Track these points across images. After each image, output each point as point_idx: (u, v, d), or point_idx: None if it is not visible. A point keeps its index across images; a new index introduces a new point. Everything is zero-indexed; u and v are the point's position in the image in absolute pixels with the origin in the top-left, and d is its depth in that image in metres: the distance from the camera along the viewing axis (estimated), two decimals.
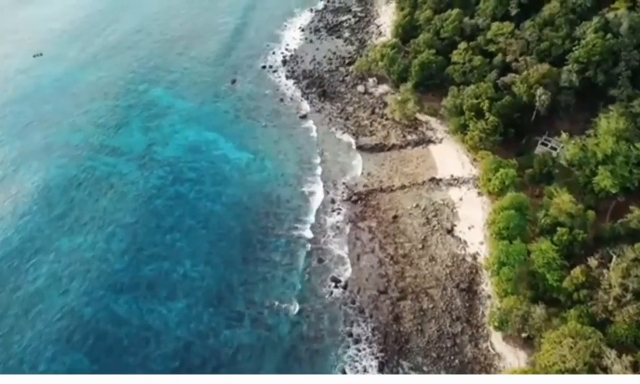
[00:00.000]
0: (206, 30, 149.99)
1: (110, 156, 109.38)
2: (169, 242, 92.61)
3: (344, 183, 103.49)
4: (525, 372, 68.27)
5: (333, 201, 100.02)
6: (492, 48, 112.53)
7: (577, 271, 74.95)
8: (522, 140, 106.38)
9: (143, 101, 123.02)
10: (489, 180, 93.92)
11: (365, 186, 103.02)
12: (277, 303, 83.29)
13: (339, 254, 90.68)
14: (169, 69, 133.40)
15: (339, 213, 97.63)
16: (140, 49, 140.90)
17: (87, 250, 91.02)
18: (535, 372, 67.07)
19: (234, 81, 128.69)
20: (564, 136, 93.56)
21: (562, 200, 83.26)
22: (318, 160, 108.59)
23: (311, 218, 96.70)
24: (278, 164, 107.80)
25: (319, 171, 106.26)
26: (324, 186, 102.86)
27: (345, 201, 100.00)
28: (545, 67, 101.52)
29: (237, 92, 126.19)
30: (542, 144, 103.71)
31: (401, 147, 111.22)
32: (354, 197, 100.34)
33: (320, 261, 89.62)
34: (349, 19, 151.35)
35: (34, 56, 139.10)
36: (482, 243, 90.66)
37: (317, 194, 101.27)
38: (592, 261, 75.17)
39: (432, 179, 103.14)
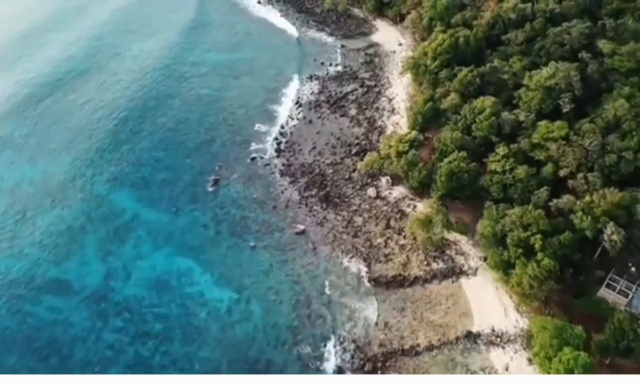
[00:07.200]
0: (183, 107, 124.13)
1: (56, 295, 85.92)
2: None
3: (354, 341, 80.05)
4: None
5: (340, 370, 76.66)
6: (539, 155, 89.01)
7: None
8: (581, 276, 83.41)
9: (102, 209, 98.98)
10: (548, 358, 70.48)
11: (381, 344, 79.55)
12: None
13: None
14: (137, 161, 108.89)
15: None
16: (103, 133, 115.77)
17: None
18: None
19: (216, 181, 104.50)
20: None
21: None
22: (319, 303, 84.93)
23: None
24: (268, 308, 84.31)
25: (320, 320, 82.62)
26: (327, 347, 79.39)
27: (356, 371, 76.58)
28: (616, 195, 78.12)
29: (219, 196, 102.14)
30: (608, 285, 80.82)
31: (425, 281, 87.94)
32: (368, 366, 76.86)
33: None
34: (356, 90, 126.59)
35: None
36: None
37: (319, 361, 77.71)
38: None
39: (468, 335, 79.90)
